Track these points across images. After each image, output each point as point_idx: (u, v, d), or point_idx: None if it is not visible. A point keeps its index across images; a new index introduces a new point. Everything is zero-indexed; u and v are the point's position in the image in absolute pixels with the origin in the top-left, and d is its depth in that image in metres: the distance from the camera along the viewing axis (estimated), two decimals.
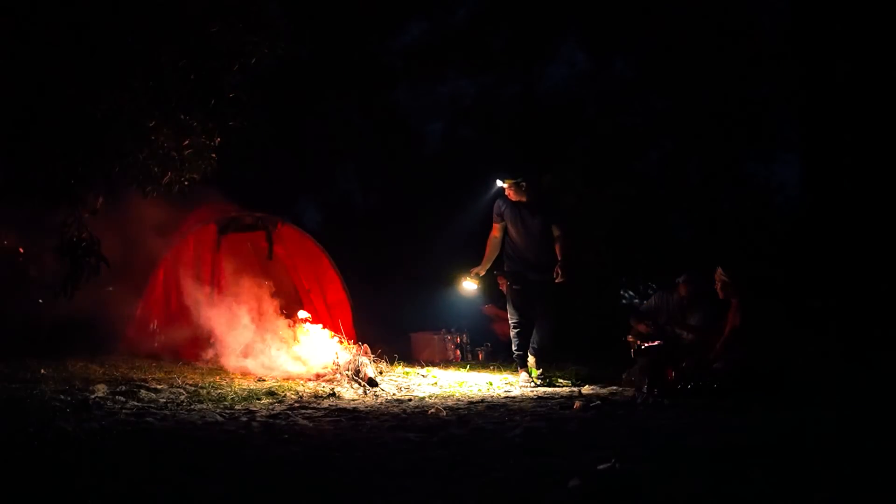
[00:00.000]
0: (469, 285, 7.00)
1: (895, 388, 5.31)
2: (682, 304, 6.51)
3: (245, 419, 4.14)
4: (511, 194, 6.69)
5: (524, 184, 6.65)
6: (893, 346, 6.77)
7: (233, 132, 5.38)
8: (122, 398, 4.61)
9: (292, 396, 5.17)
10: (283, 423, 4.05)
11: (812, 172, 9.89)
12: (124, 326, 7.13)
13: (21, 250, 6.91)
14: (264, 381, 5.77)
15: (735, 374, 5.34)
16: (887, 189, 8.79)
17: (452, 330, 8.21)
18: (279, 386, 5.52)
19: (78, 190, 4.97)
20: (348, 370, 5.89)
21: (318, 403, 4.92)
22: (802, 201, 10.40)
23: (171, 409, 4.42)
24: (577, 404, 4.87)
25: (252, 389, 5.24)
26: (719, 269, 5.61)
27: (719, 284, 5.61)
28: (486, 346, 8.23)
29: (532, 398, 5.42)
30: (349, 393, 5.50)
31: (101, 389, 4.80)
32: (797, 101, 10.52)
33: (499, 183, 6.79)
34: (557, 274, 6.48)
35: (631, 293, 10.60)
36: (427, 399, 5.31)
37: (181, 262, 7.51)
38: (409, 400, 5.25)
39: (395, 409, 4.73)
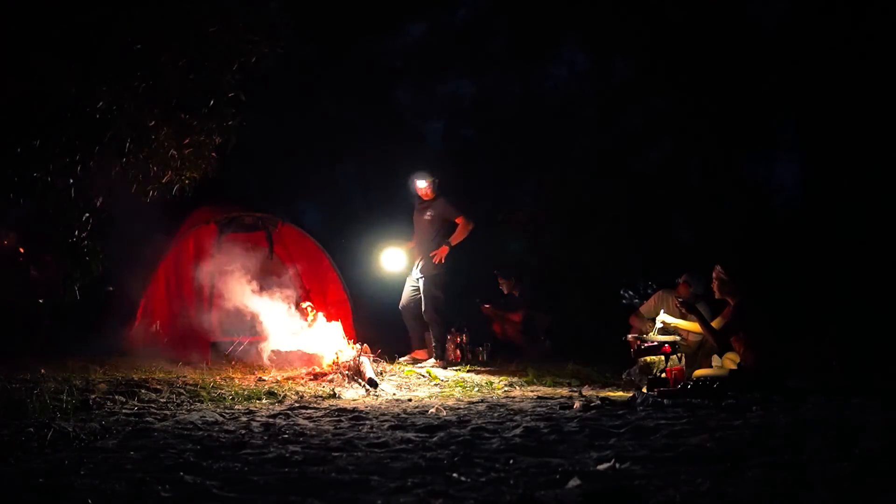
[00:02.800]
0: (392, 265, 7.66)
1: (894, 388, 5.32)
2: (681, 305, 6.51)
3: (245, 419, 4.14)
4: (428, 194, 7.23)
5: (437, 181, 7.19)
6: (892, 347, 6.79)
7: (232, 132, 5.39)
8: (122, 398, 4.61)
9: (292, 396, 5.16)
10: (284, 423, 4.05)
11: (812, 172, 9.91)
12: (124, 326, 7.14)
13: (21, 250, 6.92)
14: (264, 380, 5.77)
15: (735, 374, 5.34)
16: (886, 189, 8.81)
17: (452, 330, 8.20)
18: (279, 386, 5.51)
19: (78, 190, 4.98)
20: (349, 370, 5.89)
21: (319, 403, 4.92)
22: (802, 201, 10.42)
23: (171, 409, 4.41)
24: (576, 404, 4.86)
25: (252, 389, 5.24)
26: (718, 268, 5.55)
27: (716, 283, 5.56)
28: (486, 346, 8.23)
29: (532, 398, 5.41)
30: (349, 393, 5.49)
31: (101, 389, 4.80)
32: (797, 101, 10.54)
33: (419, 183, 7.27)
34: (435, 254, 7.06)
35: (631, 293, 10.62)
36: (427, 399, 5.31)
37: (181, 262, 7.51)
38: (410, 400, 5.25)
39: (396, 409, 4.72)
